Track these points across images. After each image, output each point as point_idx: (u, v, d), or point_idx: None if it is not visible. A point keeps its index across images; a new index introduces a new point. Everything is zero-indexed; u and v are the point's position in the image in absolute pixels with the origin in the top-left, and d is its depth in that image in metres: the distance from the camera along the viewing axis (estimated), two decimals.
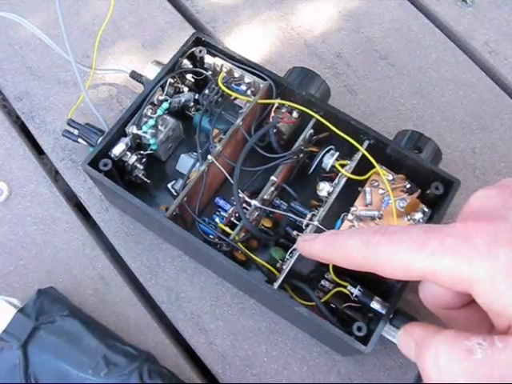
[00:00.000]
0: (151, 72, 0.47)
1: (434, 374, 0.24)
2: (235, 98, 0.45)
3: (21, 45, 0.55)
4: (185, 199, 0.40)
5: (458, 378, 0.23)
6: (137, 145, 0.44)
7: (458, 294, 0.26)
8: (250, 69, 0.44)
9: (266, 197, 0.42)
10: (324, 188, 0.42)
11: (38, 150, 0.52)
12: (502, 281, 0.22)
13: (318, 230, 0.40)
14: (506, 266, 0.22)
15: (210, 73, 0.46)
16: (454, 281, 0.24)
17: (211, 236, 0.41)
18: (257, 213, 0.42)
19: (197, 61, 0.46)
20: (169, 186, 0.44)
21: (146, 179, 0.45)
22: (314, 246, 0.32)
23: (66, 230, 0.48)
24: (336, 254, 0.30)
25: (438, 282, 0.25)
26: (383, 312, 0.38)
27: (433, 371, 0.24)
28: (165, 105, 0.44)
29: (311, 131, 0.43)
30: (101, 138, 0.42)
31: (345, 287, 0.39)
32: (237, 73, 0.45)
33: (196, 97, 0.46)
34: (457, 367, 0.23)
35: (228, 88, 0.44)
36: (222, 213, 0.42)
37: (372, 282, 0.39)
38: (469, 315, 0.28)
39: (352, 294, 0.39)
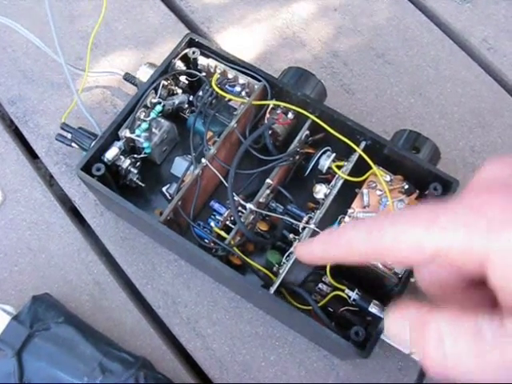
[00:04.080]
0: (144, 74, 0.46)
1: (438, 356, 0.22)
2: (230, 100, 0.44)
3: (13, 48, 0.55)
4: (179, 203, 0.40)
5: (465, 361, 0.22)
6: (131, 148, 0.44)
7: (460, 274, 0.24)
8: (244, 70, 0.44)
9: (261, 200, 0.41)
10: (321, 190, 0.41)
11: (32, 155, 0.52)
12: None
13: (315, 233, 0.39)
14: None
15: (204, 74, 0.45)
16: (467, 256, 0.22)
17: (206, 240, 0.40)
18: (252, 216, 0.41)
19: (190, 62, 0.46)
20: (163, 189, 0.43)
21: (140, 183, 0.45)
22: (314, 248, 0.30)
23: (61, 235, 0.47)
24: (339, 249, 0.28)
25: (450, 259, 0.23)
26: (381, 316, 0.37)
27: (436, 353, 0.22)
28: (158, 107, 0.43)
29: (307, 132, 0.43)
30: (93, 143, 0.42)
31: (342, 291, 0.39)
32: (231, 74, 0.44)
33: (190, 99, 0.46)
34: (464, 349, 0.21)
35: (222, 89, 0.44)
36: (218, 216, 0.42)
37: (370, 286, 0.39)
38: (469, 297, 0.26)
39: (350, 297, 0.39)
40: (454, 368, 0.22)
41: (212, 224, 0.41)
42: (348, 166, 0.41)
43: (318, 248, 0.30)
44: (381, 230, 0.25)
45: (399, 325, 0.25)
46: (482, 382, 0.22)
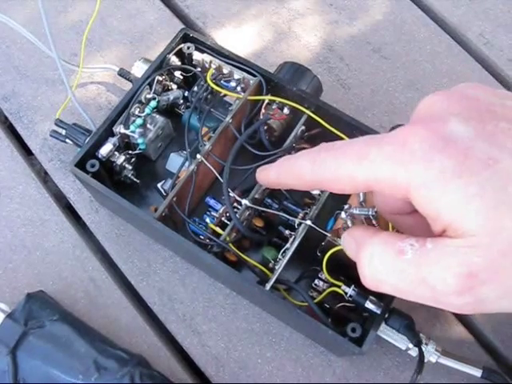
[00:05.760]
0: (139, 70, 0.46)
1: (369, 271, 0.25)
2: (225, 95, 0.44)
3: (7, 43, 0.54)
4: (174, 199, 0.39)
5: (389, 277, 0.24)
6: (125, 144, 0.43)
7: (404, 200, 0.25)
8: (239, 65, 0.43)
9: (257, 196, 0.41)
10: None
11: (27, 151, 0.51)
12: (436, 187, 0.22)
13: (311, 229, 0.39)
14: (441, 172, 0.22)
15: (199, 69, 0.45)
16: (393, 188, 0.24)
17: (201, 237, 0.40)
18: (248, 212, 0.41)
19: (185, 57, 0.45)
20: (158, 186, 0.43)
21: (135, 179, 0.44)
22: (270, 173, 0.32)
23: (56, 231, 0.47)
24: (289, 176, 0.30)
25: (380, 191, 0.25)
26: (378, 312, 0.37)
27: (367, 269, 0.25)
28: (153, 103, 0.43)
29: (303, 127, 0.42)
30: (88, 139, 0.42)
31: (339, 287, 0.39)
32: (226, 69, 0.44)
33: (185, 94, 0.45)
34: (388, 266, 0.24)
35: (217, 85, 0.43)
36: (213, 213, 0.41)
37: None
38: (414, 220, 0.28)
39: (346, 293, 0.38)
40: (383, 283, 0.25)
41: (207, 220, 0.41)
42: None
43: (274, 175, 0.32)
44: (322, 162, 0.27)
45: (349, 242, 0.28)
46: (404, 297, 0.24)
